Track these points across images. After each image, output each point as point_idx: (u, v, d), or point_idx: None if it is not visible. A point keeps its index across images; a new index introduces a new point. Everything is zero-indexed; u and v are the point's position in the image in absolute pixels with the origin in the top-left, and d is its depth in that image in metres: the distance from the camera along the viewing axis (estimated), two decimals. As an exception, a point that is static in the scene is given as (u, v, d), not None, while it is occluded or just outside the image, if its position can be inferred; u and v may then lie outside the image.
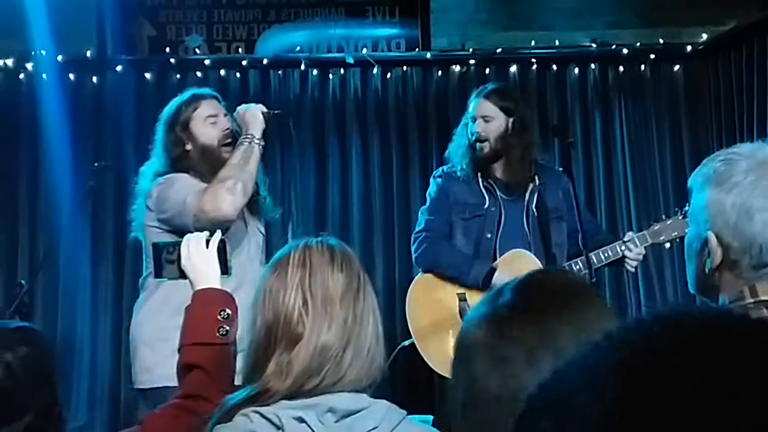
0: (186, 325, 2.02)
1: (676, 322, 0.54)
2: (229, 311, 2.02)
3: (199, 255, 2.15)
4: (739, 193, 1.59)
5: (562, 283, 1.19)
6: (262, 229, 3.43)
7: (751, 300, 1.59)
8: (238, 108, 3.29)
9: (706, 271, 1.64)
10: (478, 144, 3.81)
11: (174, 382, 3.10)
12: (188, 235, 2.22)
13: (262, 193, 3.42)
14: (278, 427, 1.52)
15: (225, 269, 2.18)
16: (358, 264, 1.71)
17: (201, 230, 3.02)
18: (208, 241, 2.18)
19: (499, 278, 3.71)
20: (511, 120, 3.81)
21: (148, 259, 2.38)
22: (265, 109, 3.25)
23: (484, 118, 3.80)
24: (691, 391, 0.48)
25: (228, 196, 3.01)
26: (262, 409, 1.54)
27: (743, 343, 0.51)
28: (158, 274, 2.30)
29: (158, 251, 2.29)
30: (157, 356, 3.07)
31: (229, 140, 3.28)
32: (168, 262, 2.24)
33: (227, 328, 2.00)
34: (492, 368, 1.07)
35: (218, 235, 2.22)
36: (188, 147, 3.26)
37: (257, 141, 3.17)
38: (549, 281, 1.21)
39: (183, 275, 2.17)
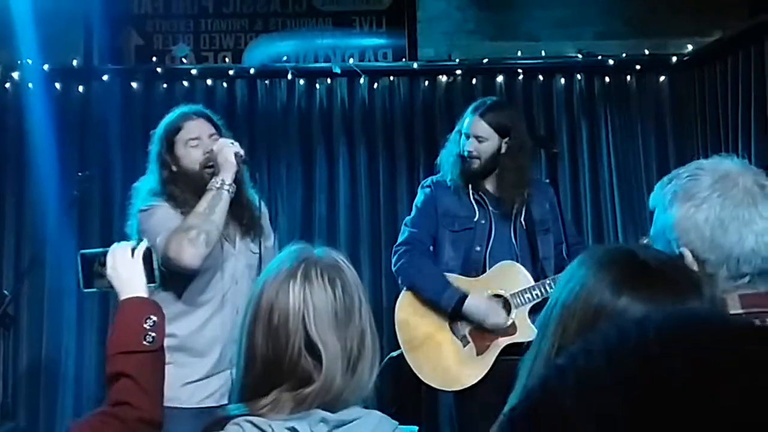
0: (112, 335, 2.04)
1: (681, 340, 0.52)
2: (155, 318, 2.04)
3: (124, 265, 2.16)
4: (710, 208, 1.61)
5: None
6: (256, 249, 3.38)
7: None
8: (214, 145, 3.25)
9: None
10: (468, 160, 3.79)
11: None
12: (114, 245, 2.22)
13: (256, 206, 3.40)
14: None
15: (152, 278, 2.19)
16: (355, 280, 1.68)
17: (168, 270, 3.05)
18: (134, 250, 2.19)
19: (470, 306, 3.71)
20: (505, 140, 3.77)
21: (83, 269, 2.36)
22: (240, 151, 3.21)
23: (477, 138, 3.74)
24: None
25: (190, 247, 3.04)
26: (254, 419, 1.53)
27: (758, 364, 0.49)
28: (88, 285, 2.29)
29: (87, 262, 2.27)
30: None
31: (212, 163, 3.26)
32: (99, 274, 2.22)
33: (153, 335, 2.02)
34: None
35: (144, 243, 2.23)
36: (174, 169, 3.28)
37: (227, 187, 3.14)
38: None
39: (112, 285, 2.17)
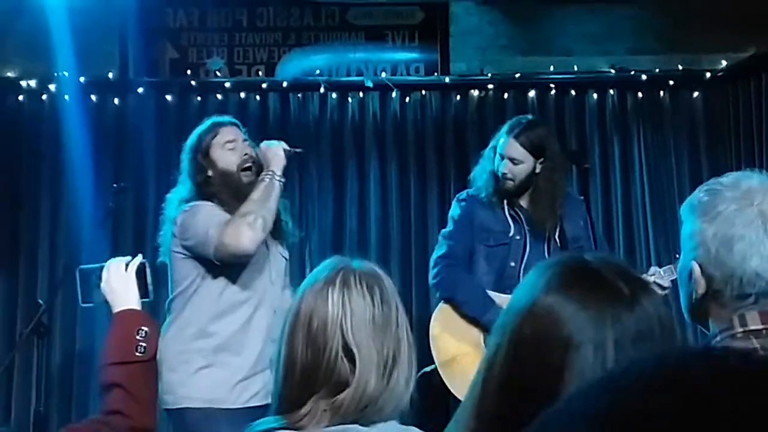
0: (106, 346, 2.11)
1: (660, 400, 0.50)
2: (146, 329, 2.11)
3: (118, 278, 2.21)
4: (720, 223, 1.61)
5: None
6: (285, 254, 3.52)
7: (740, 329, 1.61)
8: (261, 144, 3.41)
9: (693, 300, 1.67)
10: (503, 180, 3.78)
11: (194, 403, 3.22)
12: (110, 260, 2.27)
13: (283, 218, 3.51)
14: None
15: (145, 293, 2.24)
16: (393, 289, 1.69)
17: (221, 261, 3.19)
18: (128, 265, 2.24)
19: None
20: (540, 161, 3.77)
21: (81, 284, 2.40)
22: (287, 147, 3.38)
23: (512, 161, 3.74)
24: None
25: (248, 231, 3.13)
26: None
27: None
28: (85, 299, 2.34)
29: (86, 276, 2.32)
30: (178, 377, 3.22)
31: (248, 165, 3.39)
32: (97, 288, 2.26)
33: (145, 345, 2.08)
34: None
35: (138, 258, 2.28)
36: (210, 173, 3.38)
37: (278, 178, 3.28)
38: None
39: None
